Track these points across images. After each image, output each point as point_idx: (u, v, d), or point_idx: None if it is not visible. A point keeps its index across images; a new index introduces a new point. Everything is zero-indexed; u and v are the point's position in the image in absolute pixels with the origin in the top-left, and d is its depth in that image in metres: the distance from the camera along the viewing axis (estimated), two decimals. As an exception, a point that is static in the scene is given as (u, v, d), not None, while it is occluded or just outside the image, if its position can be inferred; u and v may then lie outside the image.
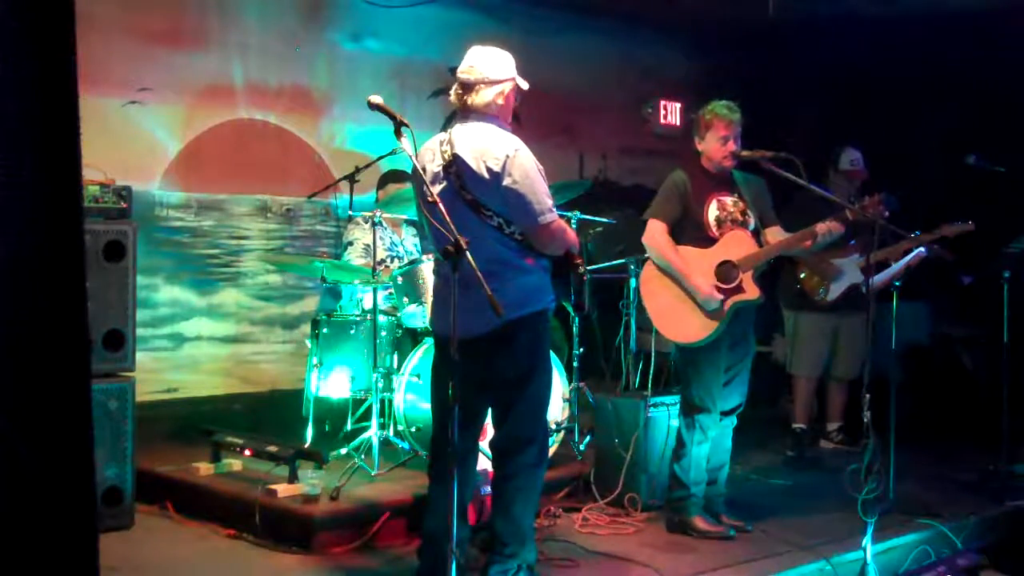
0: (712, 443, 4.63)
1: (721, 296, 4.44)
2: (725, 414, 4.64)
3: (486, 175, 3.57)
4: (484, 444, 4.07)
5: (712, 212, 4.54)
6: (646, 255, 4.66)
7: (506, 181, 3.55)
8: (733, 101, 4.60)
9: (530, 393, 3.75)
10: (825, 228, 4.56)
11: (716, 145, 4.53)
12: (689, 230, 4.54)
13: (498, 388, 3.74)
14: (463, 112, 3.73)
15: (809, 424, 6.40)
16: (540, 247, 3.66)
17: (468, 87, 3.69)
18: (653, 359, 5.25)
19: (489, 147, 3.59)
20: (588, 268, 4.52)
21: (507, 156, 3.55)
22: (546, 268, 3.73)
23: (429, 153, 3.73)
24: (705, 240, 4.53)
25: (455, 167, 3.62)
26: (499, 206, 3.59)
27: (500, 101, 3.68)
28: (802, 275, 6.18)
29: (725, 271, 4.48)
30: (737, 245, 4.52)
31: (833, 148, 6.36)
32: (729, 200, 4.58)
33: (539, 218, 3.58)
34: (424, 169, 3.69)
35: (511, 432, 3.75)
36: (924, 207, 6.11)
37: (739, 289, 4.48)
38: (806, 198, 5.57)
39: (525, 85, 3.76)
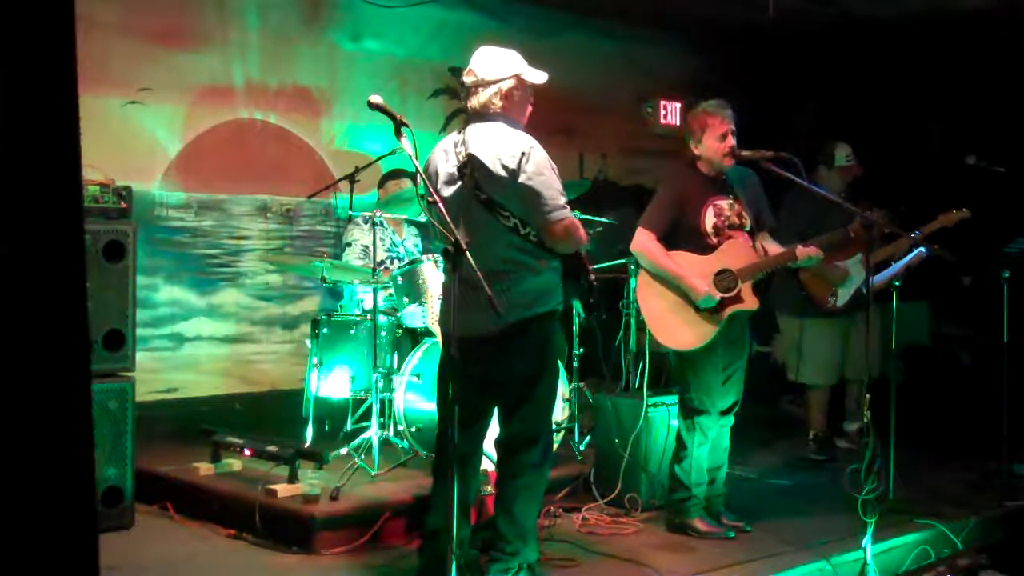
0: (711, 443, 4.63)
1: (719, 293, 4.43)
2: (723, 413, 4.62)
3: (503, 173, 3.58)
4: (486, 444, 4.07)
5: (709, 220, 4.50)
6: None
7: (521, 178, 3.56)
8: (729, 101, 4.58)
9: (536, 393, 3.76)
10: (804, 253, 4.44)
11: (715, 144, 4.48)
12: (686, 237, 4.49)
13: (505, 387, 3.75)
14: (473, 114, 3.75)
15: (827, 428, 6.22)
16: (552, 244, 3.67)
17: (468, 90, 3.73)
18: (648, 358, 5.22)
19: (504, 146, 3.61)
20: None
21: (523, 153, 3.58)
22: (557, 270, 3.75)
23: (442, 153, 3.76)
24: (703, 248, 4.49)
25: (470, 167, 3.64)
26: (515, 205, 3.61)
27: (499, 101, 3.67)
28: (804, 282, 5.91)
29: (724, 280, 4.45)
30: (736, 253, 4.48)
31: (824, 145, 6.15)
32: (725, 203, 4.54)
33: (552, 214, 3.59)
34: (437, 169, 3.71)
35: (516, 431, 3.77)
36: (924, 207, 6.11)
37: (738, 299, 4.46)
38: (799, 200, 5.55)
39: (538, 79, 3.74)
